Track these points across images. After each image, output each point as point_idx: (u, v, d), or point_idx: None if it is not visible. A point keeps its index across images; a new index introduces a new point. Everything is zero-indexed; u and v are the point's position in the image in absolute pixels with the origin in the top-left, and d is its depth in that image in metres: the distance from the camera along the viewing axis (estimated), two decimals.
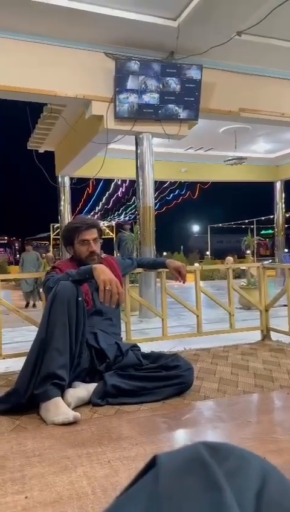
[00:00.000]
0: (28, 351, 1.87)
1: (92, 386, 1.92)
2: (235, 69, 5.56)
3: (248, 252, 9.77)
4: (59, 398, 1.74)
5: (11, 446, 1.50)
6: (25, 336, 3.96)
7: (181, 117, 5.27)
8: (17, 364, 2.22)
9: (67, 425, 1.65)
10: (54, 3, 4.20)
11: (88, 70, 5.02)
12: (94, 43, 4.94)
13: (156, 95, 5.10)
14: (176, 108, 5.21)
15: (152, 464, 0.38)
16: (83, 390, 1.88)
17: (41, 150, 8.64)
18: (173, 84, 5.11)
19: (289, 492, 0.37)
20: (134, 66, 4.97)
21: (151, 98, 5.09)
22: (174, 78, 5.10)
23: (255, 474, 0.37)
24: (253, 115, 5.75)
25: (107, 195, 17.77)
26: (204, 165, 10.54)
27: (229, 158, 8.73)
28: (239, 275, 9.48)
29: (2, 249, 34.74)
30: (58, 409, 1.70)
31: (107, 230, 19.95)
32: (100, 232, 2.37)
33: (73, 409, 1.76)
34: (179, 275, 2.52)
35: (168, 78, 5.08)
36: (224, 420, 1.74)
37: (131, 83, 4.98)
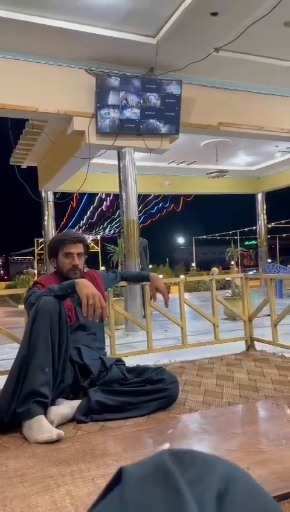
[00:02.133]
0: (10, 368, 1.85)
1: (75, 403, 1.89)
2: (214, 84, 5.69)
3: (233, 262, 9.85)
4: (42, 416, 1.71)
5: None
6: (8, 353, 3.89)
7: (162, 131, 5.34)
8: None
9: (50, 444, 1.62)
10: (35, 21, 4.25)
11: (69, 87, 5.07)
12: (75, 60, 5.01)
13: (137, 110, 5.17)
14: (157, 123, 5.28)
15: (119, 476, 0.38)
16: (66, 407, 1.86)
17: (24, 166, 8.63)
18: (154, 99, 5.19)
19: (252, 494, 0.37)
20: (114, 82, 5.04)
21: (132, 113, 5.16)
22: (154, 94, 5.18)
23: (218, 477, 0.37)
24: (232, 129, 5.86)
25: (91, 209, 17.78)
26: (187, 178, 10.68)
27: (211, 171, 8.87)
28: (224, 285, 9.55)
29: None
30: (42, 427, 1.67)
31: (92, 244, 19.90)
32: (86, 247, 2.37)
33: (57, 427, 1.73)
34: (157, 294, 2.53)
35: (148, 94, 5.16)
36: (209, 432, 1.74)
37: (112, 99, 5.05)
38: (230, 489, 0.36)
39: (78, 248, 2.28)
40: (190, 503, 0.34)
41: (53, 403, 1.85)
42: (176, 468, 0.37)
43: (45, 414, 1.73)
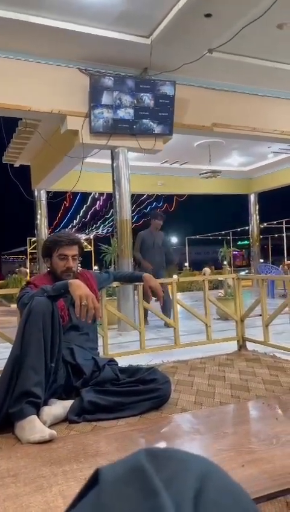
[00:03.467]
0: (2, 368, 1.84)
1: (68, 403, 1.90)
2: (208, 85, 5.71)
3: (225, 262, 9.89)
4: (34, 417, 1.71)
5: None
6: (1, 353, 3.88)
7: (156, 132, 5.35)
8: None
9: (43, 444, 1.63)
10: (29, 20, 4.23)
11: (63, 86, 5.06)
12: (69, 59, 5.00)
13: (131, 110, 5.17)
14: (151, 123, 5.29)
15: (95, 478, 0.38)
16: (59, 407, 1.86)
17: (16, 164, 8.59)
18: (147, 99, 5.20)
19: (227, 491, 0.37)
20: (108, 81, 5.04)
21: (126, 113, 5.16)
22: (148, 94, 5.19)
23: (194, 476, 0.37)
24: (225, 130, 5.89)
25: (84, 208, 17.74)
26: (180, 178, 10.70)
27: (204, 171, 8.89)
28: (217, 285, 9.58)
29: None
30: (34, 427, 1.67)
31: (85, 243, 19.87)
32: (81, 250, 2.38)
33: (49, 427, 1.73)
34: (151, 294, 2.54)
35: (142, 94, 5.17)
36: (201, 432, 1.75)
37: (106, 99, 5.04)
38: (205, 488, 0.36)
39: (73, 250, 2.28)
40: (167, 503, 0.34)
41: (46, 403, 1.85)
42: (152, 467, 0.37)
43: (38, 414, 1.74)
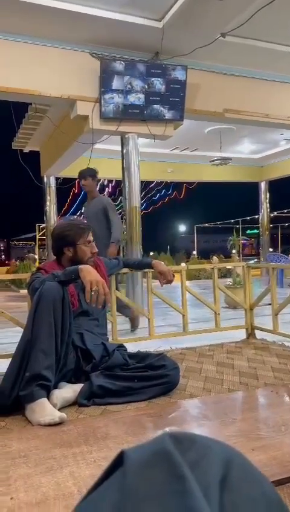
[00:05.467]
0: (13, 352, 1.86)
1: (78, 387, 1.92)
2: (220, 70, 5.61)
3: (234, 251, 9.83)
4: (45, 399, 1.73)
5: None
6: (10, 337, 3.92)
7: (166, 117, 5.29)
8: (2, 366, 2.20)
9: (53, 426, 1.65)
10: (39, 2, 4.17)
11: (73, 70, 5.00)
12: (79, 43, 4.93)
13: (142, 96, 5.11)
14: (162, 108, 5.22)
15: (120, 460, 0.38)
16: (69, 390, 1.88)
17: (26, 150, 8.57)
18: (158, 84, 5.12)
19: (251, 479, 0.38)
20: (119, 66, 4.97)
21: (136, 98, 5.10)
22: (159, 79, 5.11)
23: (219, 461, 0.37)
24: (238, 116, 5.80)
25: None
26: (190, 165, 10.61)
27: (215, 158, 8.80)
28: (225, 274, 9.55)
29: None
30: (44, 410, 1.69)
31: None
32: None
33: (59, 410, 1.75)
34: (163, 278, 2.53)
35: (153, 79, 5.10)
36: (210, 418, 1.76)
37: (116, 83, 4.98)
38: (230, 473, 0.37)
39: (92, 235, 2.31)
40: (194, 487, 0.34)
41: (56, 387, 1.87)
42: (177, 451, 0.37)
43: (48, 397, 1.76)
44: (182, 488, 0.34)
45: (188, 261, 16.00)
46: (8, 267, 15.04)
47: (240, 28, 4.54)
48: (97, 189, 4.89)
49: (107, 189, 15.92)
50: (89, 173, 4.52)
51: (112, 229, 4.34)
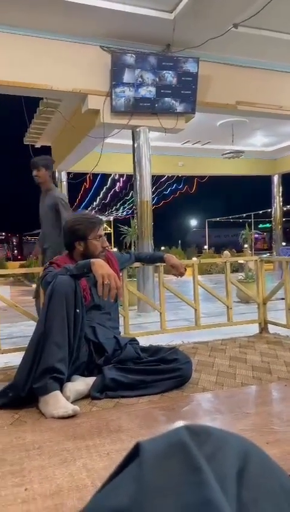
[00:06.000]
0: (27, 345, 1.88)
1: (90, 380, 1.92)
2: (232, 62, 5.53)
3: (246, 245, 9.76)
4: (58, 392, 1.74)
5: (10, 439, 1.51)
6: (24, 331, 3.97)
7: (178, 110, 5.25)
8: (16, 359, 2.22)
9: (66, 419, 1.66)
10: None
11: (84, 64, 4.99)
12: (90, 36, 4.91)
13: (153, 89, 5.07)
14: (173, 101, 5.18)
15: (136, 451, 0.38)
16: (81, 383, 1.89)
17: (37, 145, 8.60)
18: (170, 77, 5.08)
19: (268, 472, 0.37)
20: (130, 59, 4.94)
21: (147, 91, 5.07)
22: (170, 71, 5.07)
23: (236, 454, 0.37)
24: (250, 108, 5.73)
25: (104, 189, 17.70)
26: (201, 159, 10.53)
27: (227, 152, 8.71)
28: (237, 268, 9.50)
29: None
30: (58, 402, 1.70)
31: (105, 225, 19.91)
32: None
33: (72, 403, 1.76)
34: (175, 271, 2.53)
35: (164, 72, 5.05)
36: (222, 412, 1.75)
37: (127, 76, 4.95)
38: (247, 466, 0.37)
39: (103, 229, 2.32)
40: (211, 479, 0.34)
41: (68, 380, 1.88)
42: (193, 443, 0.37)
43: (61, 390, 1.77)
44: (198, 479, 0.34)
45: (199, 255, 15.93)
46: (21, 262, 15.13)
47: (253, 19, 4.46)
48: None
49: (118, 183, 15.92)
50: (42, 163, 3.75)
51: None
